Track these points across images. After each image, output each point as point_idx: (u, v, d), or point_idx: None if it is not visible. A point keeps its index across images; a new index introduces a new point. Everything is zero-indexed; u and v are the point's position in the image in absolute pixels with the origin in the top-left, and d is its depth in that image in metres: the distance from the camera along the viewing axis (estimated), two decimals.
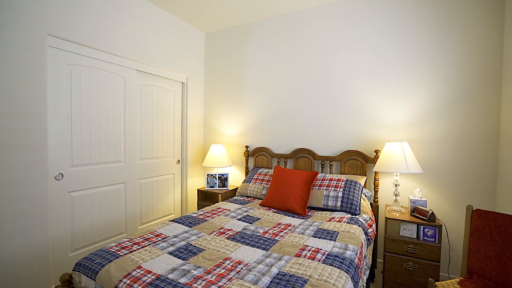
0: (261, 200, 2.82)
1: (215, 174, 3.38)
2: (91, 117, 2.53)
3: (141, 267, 1.38)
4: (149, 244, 1.67)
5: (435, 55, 2.47)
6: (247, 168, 3.45)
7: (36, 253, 2.11)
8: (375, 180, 2.64)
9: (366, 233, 2.10)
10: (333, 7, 2.94)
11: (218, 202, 3.13)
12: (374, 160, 2.67)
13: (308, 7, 3.08)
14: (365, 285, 1.80)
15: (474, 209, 1.71)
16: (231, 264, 1.45)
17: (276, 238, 1.84)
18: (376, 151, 2.65)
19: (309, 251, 1.63)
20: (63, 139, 2.33)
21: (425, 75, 2.51)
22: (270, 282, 1.27)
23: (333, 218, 2.25)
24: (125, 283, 1.26)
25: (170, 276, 1.30)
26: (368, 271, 2.02)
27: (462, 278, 1.66)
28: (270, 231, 1.96)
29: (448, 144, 2.44)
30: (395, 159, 2.29)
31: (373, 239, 2.29)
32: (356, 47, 2.83)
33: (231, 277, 1.30)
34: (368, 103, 2.77)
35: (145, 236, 1.80)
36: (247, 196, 3.02)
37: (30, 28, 2.03)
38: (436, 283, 1.64)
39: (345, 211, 2.42)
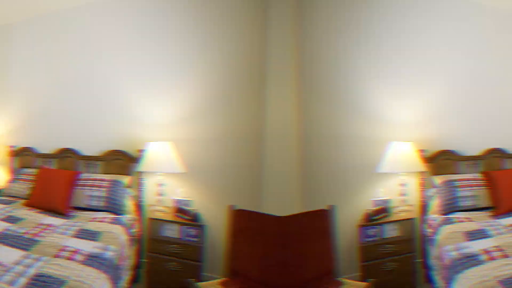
0: (26, 200, 2.73)
1: None
2: None
3: None
4: None
5: (202, 57, 2.56)
6: (12, 168, 3.34)
7: None
8: (140, 180, 2.69)
9: (129, 233, 2.17)
10: (96, 7, 2.91)
11: None
12: (139, 160, 2.67)
13: (68, 6, 2.97)
14: (127, 285, 1.94)
15: (236, 209, 1.68)
16: None
17: (37, 238, 1.85)
18: (140, 151, 2.65)
19: (68, 251, 1.65)
20: None
21: (192, 75, 2.60)
22: (27, 284, 1.26)
23: (96, 218, 2.30)
24: None
25: None
26: (133, 272, 2.12)
27: (225, 279, 1.66)
28: (31, 231, 1.96)
29: (213, 143, 2.49)
30: (158, 159, 2.34)
31: (137, 240, 2.35)
32: (120, 48, 2.88)
33: None
34: (132, 103, 2.83)
35: None
36: (13, 196, 2.94)
37: None
38: (199, 283, 1.64)
39: (109, 211, 2.46)
